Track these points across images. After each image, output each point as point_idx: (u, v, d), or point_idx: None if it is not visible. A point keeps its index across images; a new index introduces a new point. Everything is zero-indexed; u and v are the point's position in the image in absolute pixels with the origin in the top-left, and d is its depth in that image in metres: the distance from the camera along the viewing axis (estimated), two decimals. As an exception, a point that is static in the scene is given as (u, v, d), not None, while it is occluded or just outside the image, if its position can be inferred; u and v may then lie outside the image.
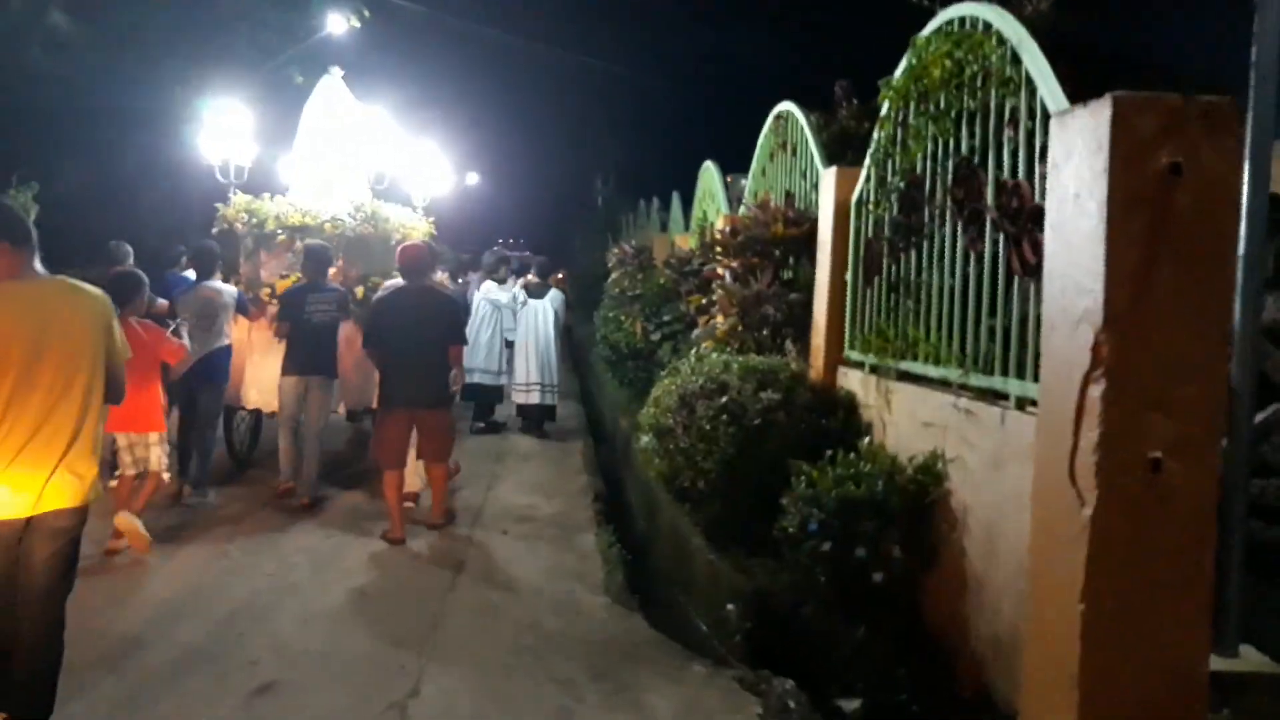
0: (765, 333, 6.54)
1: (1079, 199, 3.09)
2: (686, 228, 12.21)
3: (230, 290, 7.65)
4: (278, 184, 9.65)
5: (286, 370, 7.28)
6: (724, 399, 5.39)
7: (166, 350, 6.02)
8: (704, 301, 7.26)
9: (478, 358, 10.29)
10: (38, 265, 3.47)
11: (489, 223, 40.99)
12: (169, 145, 22.54)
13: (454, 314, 6.83)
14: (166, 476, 6.21)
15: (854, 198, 5.76)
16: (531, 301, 10.88)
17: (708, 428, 5.37)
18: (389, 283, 7.75)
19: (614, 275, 11.10)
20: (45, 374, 3.32)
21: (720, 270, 7.01)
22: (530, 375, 10.60)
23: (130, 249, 8.16)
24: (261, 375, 7.94)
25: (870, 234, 5.49)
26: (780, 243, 6.45)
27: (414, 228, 9.26)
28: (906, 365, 4.85)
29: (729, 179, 9.34)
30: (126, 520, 5.75)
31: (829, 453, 4.75)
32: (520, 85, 36.20)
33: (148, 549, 5.78)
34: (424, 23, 26.97)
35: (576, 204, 42.14)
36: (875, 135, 5.44)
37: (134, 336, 5.51)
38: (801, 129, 6.90)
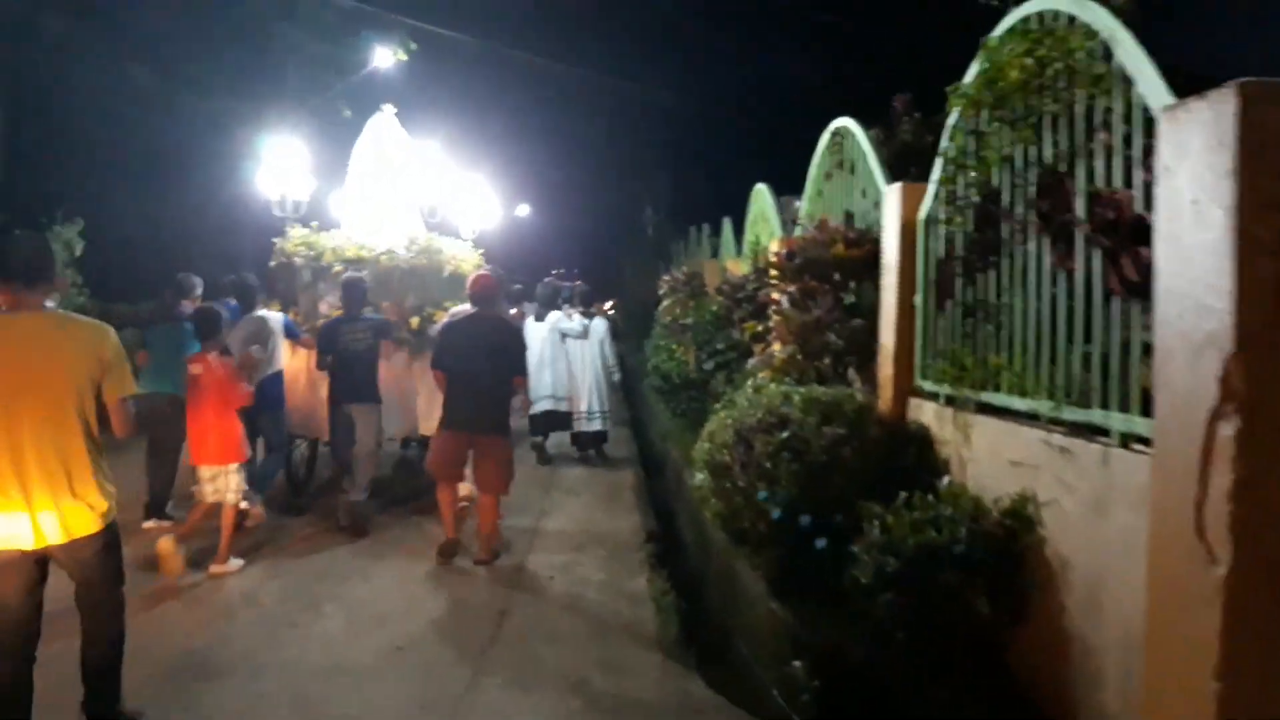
0: (826, 361, 6.13)
1: (1198, 206, 2.67)
2: (739, 253, 11.83)
3: (277, 317, 7.85)
4: (328, 217, 9.76)
5: (332, 400, 7.47)
6: (785, 434, 4.99)
7: (236, 394, 6.20)
8: (760, 329, 6.87)
9: (551, 386, 10.40)
10: (48, 302, 3.59)
11: (539, 253, 40.94)
12: (224, 181, 22.76)
13: (520, 346, 6.94)
14: (245, 505, 6.56)
15: (921, 215, 5.35)
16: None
17: (768, 465, 4.97)
18: (456, 309, 7.94)
19: (665, 303, 10.74)
20: (34, 406, 3.39)
21: (776, 295, 6.62)
22: (589, 404, 10.70)
23: (199, 280, 8.20)
24: (316, 404, 8.04)
25: (941, 253, 5.07)
26: (841, 265, 6.04)
27: (466, 259, 9.33)
28: (988, 397, 4.41)
29: (783, 200, 8.95)
30: (167, 545, 5.91)
31: (903, 494, 4.32)
32: (568, 115, 36.21)
33: (179, 573, 5.93)
34: (470, 55, 27.03)
35: (626, 232, 41.97)
36: (943, 147, 5.03)
37: (212, 372, 6.10)
38: (859, 145, 6.51)
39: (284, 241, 8.99)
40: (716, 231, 14.70)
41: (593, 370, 10.77)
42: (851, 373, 6.15)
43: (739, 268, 11.45)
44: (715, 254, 14.96)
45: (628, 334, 27.62)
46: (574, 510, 8.22)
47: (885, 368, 5.62)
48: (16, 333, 3.44)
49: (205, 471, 6.17)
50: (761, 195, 10.04)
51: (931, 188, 5.21)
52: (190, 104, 20.68)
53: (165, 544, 5.91)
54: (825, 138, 7.43)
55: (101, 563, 3.63)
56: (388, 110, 9.75)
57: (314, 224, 9.25)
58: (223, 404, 6.12)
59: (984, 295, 4.56)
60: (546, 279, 11.31)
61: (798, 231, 8.44)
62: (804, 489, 4.89)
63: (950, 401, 4.85)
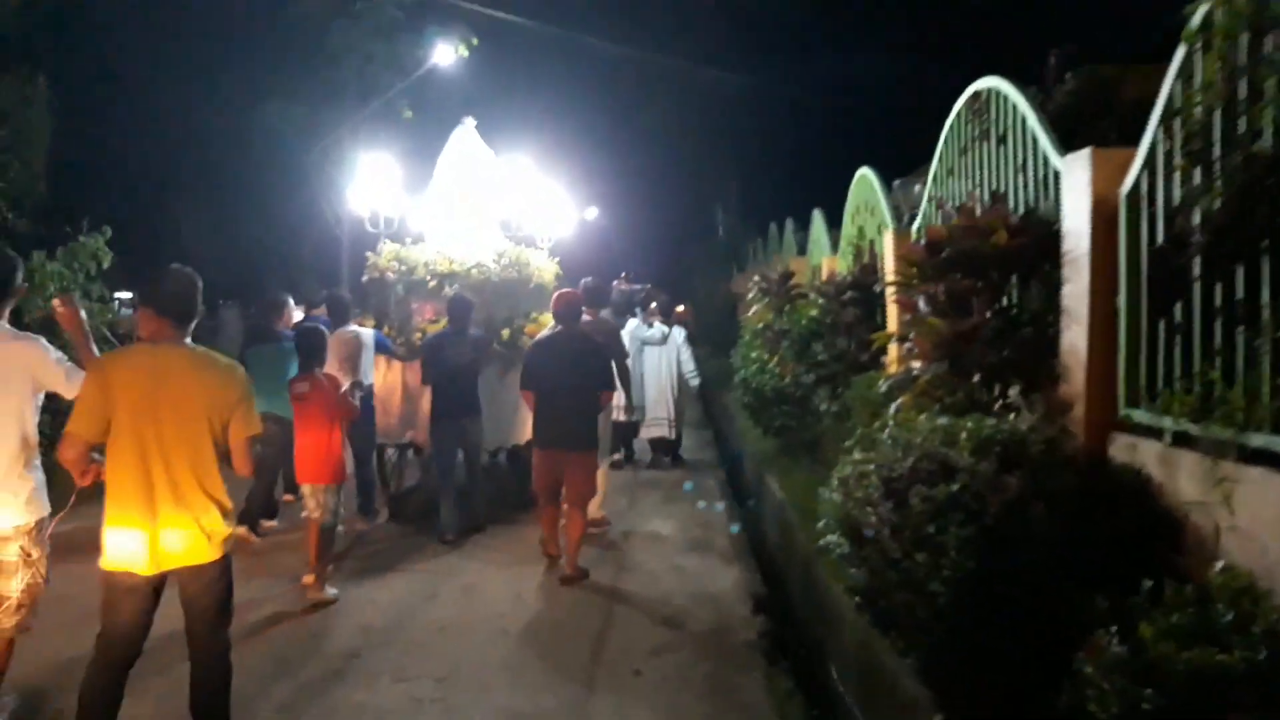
0: (975, 380, 4.83)
1: None
2: (834, 250, 10.51)
3: (368, 332, 8.01)
4: (397, 225, 9.76)
5: (435, 414, 7.59)
6: (953, 486, 3.70)
7: (344, 409, 6.24)
8: (898, 338, 5.54)
9: (635, 396, 9.89)
10: (187, 337, 3.73)
11: (608, 256, 39.92)
12: (286, 189, 22.02)
13: (605, 360, 7.00)
14: (342, 528, 6.72)
15: (1123, 190, 4.03)
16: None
17: (931, 530, 3.69)
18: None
19: (754, 308, 9.47)
20: (164, 435, 3.54)
21: (902, 299, 5.32)
22: (664, 411, 10.65)
23: (290, 298, 8.42)
24: (415, 414, 8.27)
25: (1165, 240, 3.75)
26: (1002, 258, 4.73)
27: (546, 269, 9.47)
28: (1261, 440, 3.09)
29: (896, 185, 7.64)
30: (309, 580, 6.14)
31: (1148, 584, 3.02)
32: (635, 112, 35.08)
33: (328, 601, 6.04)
34: (534, 50, 25.99)
35: (696, 233, 40.89)
36: (1165, 96, 3.72)
37: (319, 391, 6.17)
38: (1016, 109, 5.19)
39: (376, 256, 9.14)
40: (803, 225, 13.36)
41: (668, 377, 10.66)
42: (1013, 396, 4.84)
43: (835, 265, 10.14)
44: (802, 251, 13.63)
45: (702, 339, 26.41)
46: (662, 562, 6.93)
47: (1070, 392, 4.31)
48: (155, 362, 3.59)
49: (307, 489, 6.22)
50: (866, 181, 8.71)
51: (1143, 152, 3.89)
52: (245, 111, 19.96)
53: (308, 580, 6.14)
54: (959, 106, 6.11)
55: (216, 591, 3.74)
56: (469, 123, 9.80)
57: (407, 239, 9.47)
58: (329, 423, 6.16)
59: (1247, 297, 3.23)
60: (615, 283, 11.36)
61: (918, 221, 7.13)
62: (980, 563, 3.60)
63: (1185, 441, 3.53)
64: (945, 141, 6.48)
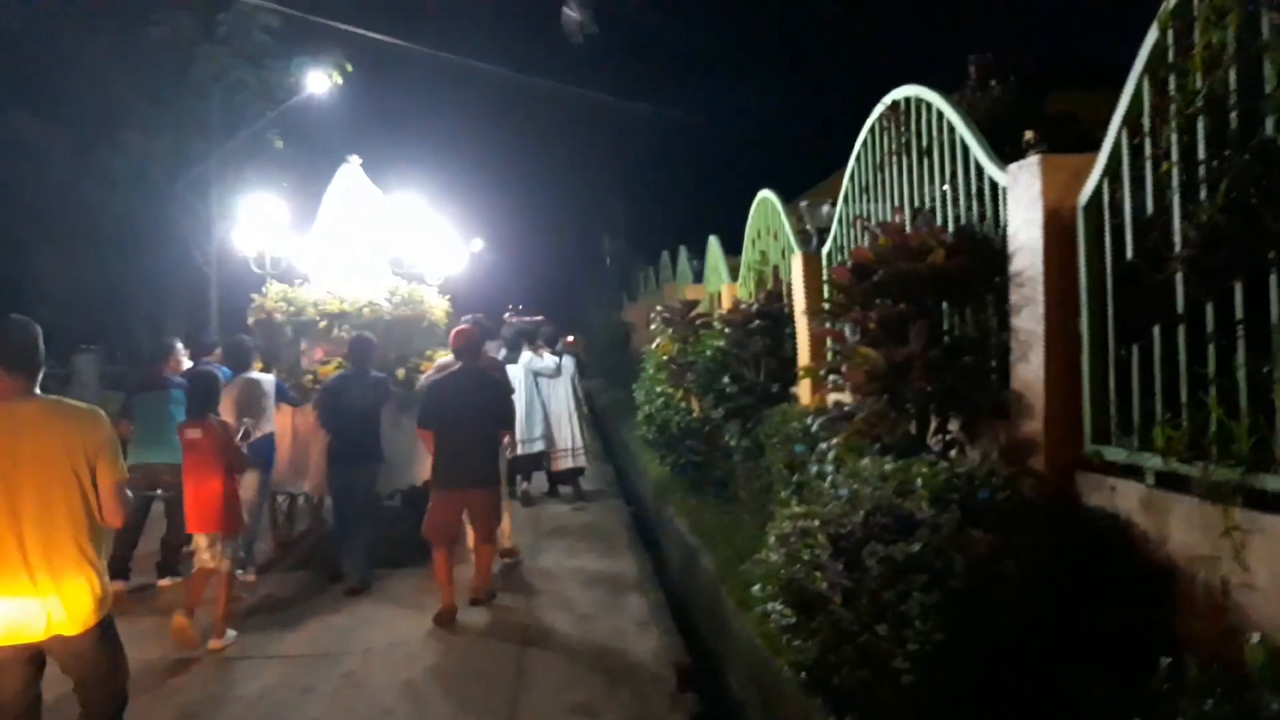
0: (913, 414, 4.36)
1: None
2: (734, 277, 10.08)
3: (269, 379, 7.73)
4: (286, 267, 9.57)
5: (331, 458, 7.31)
6: (913, 545, 3.19)
7: (234, 460, 5.97)
8: (825, 369, 5.01)
9: (529, 428, 10.02)
10: (35, 389, 3.48)
11: (496, 289, 39.09)
12: (149, 227, 20.60)
13: (507, 397, 6.99)
14: (240, 573, 6.44)
15: (1081, 200, 3.62)
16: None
17: (890, 596, 3.17)
18: (442, 359, 7.89)
19: (657, 340, 8.94)
20: (24, 496, 3.31)
21: (837, 327, 4.84)
22: (570, 440, 10.39)
23: (179, 344, 8.13)
24: (306, 460, 7.99)
25: (1135, 254, 3.33)
26: (938, 280, 4.28)
27: (437, 307, 9.26)
28: (1276, 483, 2.65)
29: (804, 206, 7.21)
30: (181, 620, 5.76)
31: (1166, 661, 2.55)
32: (519, 141, 34.55)
33: (195, 645, 5.78)
34: (411, 77, 25.20)
35: (584, 263, 40.52)
36: (1129, 94, 3.32)
37: (210, 438, 5.88)
38: (943, 118, 4.78)
39: (263, 298, 8.81)
40: (699, 253, 12.94)
41: (568, 407, 10.44)
42: (955, 432, 4.39)
43: (734, 293, 9.71)
44: (699, 278, 13.20)
45: (596, 369, 25.84)
46: (573, 632, 6.25)
47: (1026, 426, 3.86)
48: (7, 420, 3.37)
49: (202, 540, 5.96)
50: (768, 204, 8.30)
51: (1103, 158, 3.48)
52: (102, 143, 18.62)
53: (178, 620, 5.77)
54: (874, 118, 5.70)
55: (99, 655, 3.53)
56: (354, 160, 9.59)
57: (297, 280, 9.18)
58: (221, 471, 5.88)
59: (1247, 316, 2.80)
60: (505, 316, 10.97)
61: (828, 245, 6.72)
62: (950, 633, 3.10)
63: (1172, 483, 3.09)
64: (858, 158, 6.07)
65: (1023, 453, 3.84)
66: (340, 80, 19.10)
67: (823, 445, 4.55)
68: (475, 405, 6.53)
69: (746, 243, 9.27)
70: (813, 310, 6.76)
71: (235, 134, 18.74)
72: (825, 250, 6.72)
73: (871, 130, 5.80)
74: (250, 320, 8.93)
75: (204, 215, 19.06)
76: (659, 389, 8.76)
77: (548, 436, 10.25)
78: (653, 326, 9.50)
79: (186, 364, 8.09)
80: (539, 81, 25.41)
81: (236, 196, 19.44)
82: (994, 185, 4.33)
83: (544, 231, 40.78)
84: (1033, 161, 3.80)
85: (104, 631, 3.52)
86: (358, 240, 9.33)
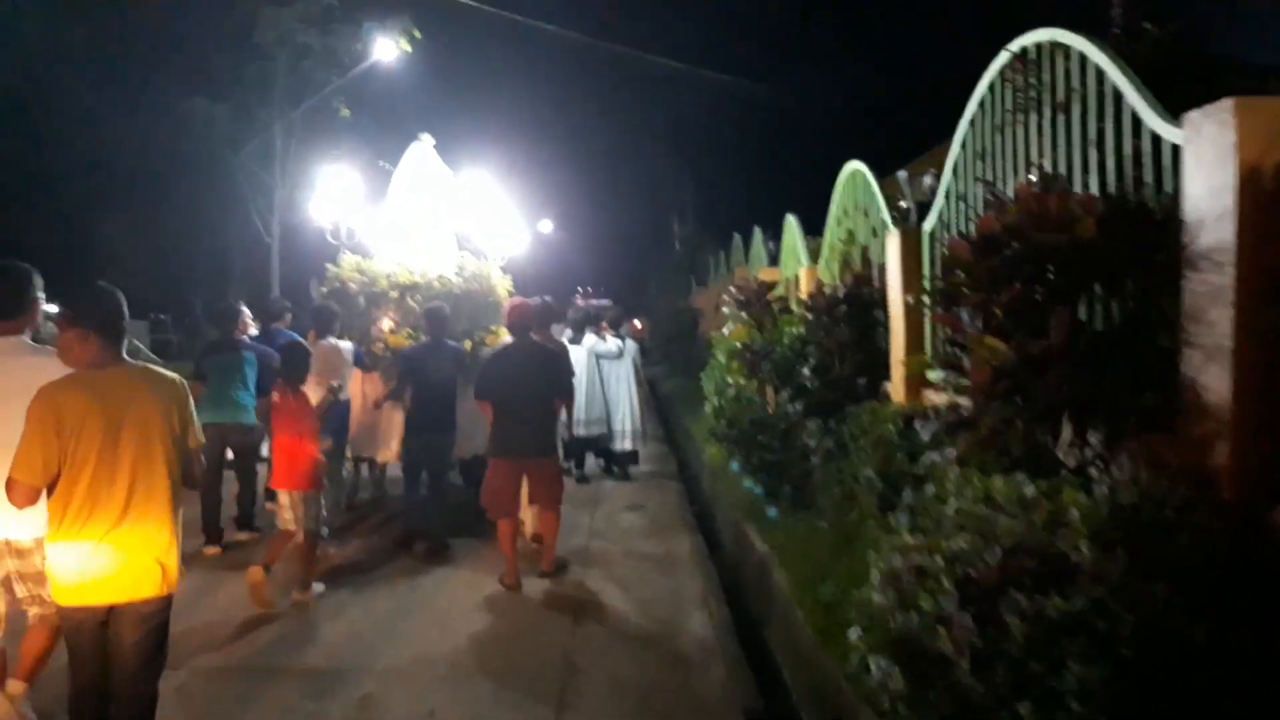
0: (1045, 417, 3.56)
1: None
2: (814, 260, 9.27)
3: (348, 346, 8.04)
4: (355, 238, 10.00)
5: (413, 427, 7.58)
6: (1075, 601, 2.43)
7: (310, 425, 6.23)
8: (940, 363, 4.19)
9: (587, 409, 10.26)
10: (124, 354, 3.57)
11: (563, 270, 38.66)
12: (214, 192, 20.37)
13: (562, 369, 7.07)
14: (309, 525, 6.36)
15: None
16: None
17: (1038, 666, 2.42)
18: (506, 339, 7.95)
19: (728, 325, 8.18)
20: (124, 462, 3.40)
21: (953, 313, 4.04)
22: (626, 423, 10.61)
23: (245, 309, 8.36)
24: (377, 427, 8.40)
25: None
26: (1086, 257, 3.47)
27: (503, 285, 9.63)
28: None
29: (904, 178, 6.40)
30: (256, 575, 5.96)
31: None
32: (591, 120, 33.93)
33: (268, 607, 5.98)
34: (483, 48, 24.62)
35: (653, 246, 39.89)
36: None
37: (289, 402, 6.27)
38: (1087, 64, 3.97)
39: (338, 268, 9.20)
40: (775, 235, 12.12)
41: (627, 389, 10.66)
42: (1094, 443, 3.58)
43: (816, 276, 8.90)
44: (774, 261, 12.38)
45: (660, 355, 25.13)
46: (619, 666, 5.61)
47: (1203, 444, 3.05)
48: (109, 389, 3.44)
49: (284, 498, 6.27)
50: (858, 178, 7.48)
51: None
52: (168, 110, 18.35)
53: (254, 573, 5.96)
54: (994, 72, 4.88)
55: (158, 626, 3.55)
56: (426, 139, 9.94)
57: (373, 254, 9.53)
58: (300, 433, 6.20)
59: None
60: (575, 298, 11.19)
61: (930, 221, 5.90)
62: (1120, 717, 2.33)
63: None
64: (972, 121, 5.25)
65: (1198, 476, 3.03)
66: (409, 48, 18.58)
67: (933, 456, 3.77)
68: (531, 376, 6.68)
69: (830, 221, 8.46)
70: (911, 295, 5.97)
71: (300, 101, 18.36)
72: (927, 228, 5.91)
73: (991, 86, 4.97)
74: (324, 289, 9.25)
75: (267, 183, 18.73)
76: (730, 379, 8.01)
77: (606, 419, 10.47)
78: (725, 310, 8.74)
79: (253, 330, 8.58)
80: (613, 50, 24.63)
81: (301, 165, 19.20)
82: (1156, 144, 3.52)
83: (613, 213, 40.28)
84: (1223, 107, 2.98)
85: (168, 606, 3.61)
86: (427, 216, 9.68)
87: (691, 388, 18.17)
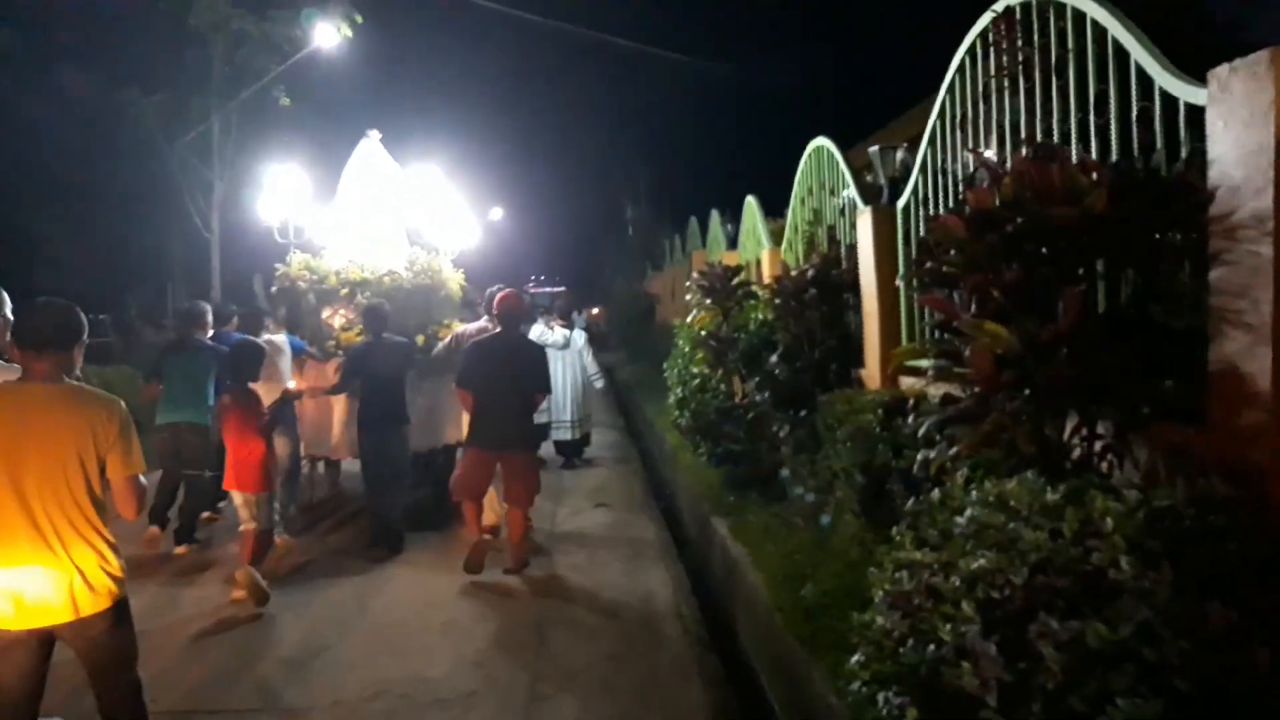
0: (1053, 409, 3.24)
1: None
2: (776, 242, 8.94)
3: (282, 338, 8.18)
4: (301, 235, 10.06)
5: (363, 423, 7.51)
6: (1122, 628, 2.10)
7: (257, 423, 6.21)
8: (934, 352, 3.80)
9: None
10: (63, 374, 3.45)
11: (515, 258, 38.10)
12: (148, 189, 19.60)
13: (542, 362, 7.05)
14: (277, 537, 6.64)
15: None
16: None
17: (1078, 703, 2.08)
18: (471, 326, 8.13)
19: (693, 311, 7.82)
20: (28, 477, 3.29)
21: (939, 295, 3.70)
22: (568, 413, 10.83)
23: (208, 308, 8.40)
24: (328, 424, 8.37)
25: None
26: (1095, 232, 3.14)
27: (455, 280, 9.59)
28: None
29: (877, 152, 6.06)
30: (245, 575, 5.97)
31: None
32: (539, 103, 33.41)
33: (260, 602, 5.96)
34: (428, 32, 23.98)
35: (606, 232, 39.51)
36: None
37: (237, 402, 6.22)
38: (1085, 22, 3.64)
39: (287, 266, 9.18)
40: (735, 217, 11.78)
41: (572, 381, 10.85)
42: (1105, 436, 3.27)
43: (778, 259, 8.57)
44: (733, 245, 12.04)
45: (614, 343, 24.75)
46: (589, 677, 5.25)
47: (1238, 435, 2.74)
48: (20, 401, 3.36)
49: (238, 498, 6.31)
50: (823, 154, 7.15)
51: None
52: (99, 100, 17.55)
53: (241, 576, 6.01)
54: (976, 33, 4.55)
55: (113, 641, 3.46)
56: (374, 135, 9.92)
57: (322, 250, 9.62)
58: (249, 433, 6.19)
59: None
60: (527, 287, 10.63)
61: (904, 198, 5.58)
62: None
63: None
64: (950, 88, 4.93)
65: (1235, 472, 2.72)
66: (350, 34, 17.90)
67: (927, 453, 3.43)
68: (512, 369, 6.63)
69: (794, 201, 8.13)
70: (884, 276, 5.66)
71: (238, 91, 17.63)
72: (901, 204, 5.59)
73: (971, 51, 4.65)
74: (273, 288, 9.25)
75: (205, 176, 18.00)
76: (695, 369, 7.65)
77: (550, 409, 10.41)
78: (688, 297, 8.38)
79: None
80: (562, 30, 24.08)
81: (241, 158, 18.49)
82: (1167, 106, 3.21)
83: (565, 199, 39.80)
84: (1258, 60, 2.66)
85: (120, 613, 3.48)
86: (377, 212, 9.66)
87: (650, 374, 17.84)
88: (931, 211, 5.18)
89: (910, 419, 4.36)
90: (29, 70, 18.16)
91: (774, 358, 6.64)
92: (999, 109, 4.43)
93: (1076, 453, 3.27)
